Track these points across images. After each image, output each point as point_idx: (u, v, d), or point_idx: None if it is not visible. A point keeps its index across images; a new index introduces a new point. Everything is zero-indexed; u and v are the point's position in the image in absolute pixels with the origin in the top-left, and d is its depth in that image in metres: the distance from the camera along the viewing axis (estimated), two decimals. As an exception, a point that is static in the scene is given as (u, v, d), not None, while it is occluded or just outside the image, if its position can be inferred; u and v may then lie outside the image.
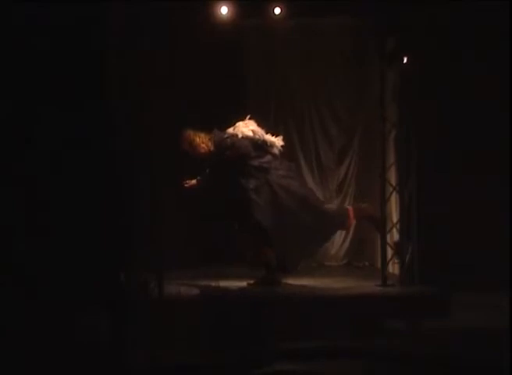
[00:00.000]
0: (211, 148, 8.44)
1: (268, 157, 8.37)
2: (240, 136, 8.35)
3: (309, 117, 10.02)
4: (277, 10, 8.80)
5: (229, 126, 8.48)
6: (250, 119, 8.55)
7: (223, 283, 8.62)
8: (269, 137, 8.49)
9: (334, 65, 9.98)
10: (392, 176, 9.19)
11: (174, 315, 7.69)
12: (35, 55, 7.77)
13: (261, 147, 8.43)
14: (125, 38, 8.08)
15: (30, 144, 7.75)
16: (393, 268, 9.16)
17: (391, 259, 9.05)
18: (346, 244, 10.54)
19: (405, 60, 8.65)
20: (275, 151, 8.49)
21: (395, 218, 9.18)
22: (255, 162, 8.31)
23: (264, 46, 9.83)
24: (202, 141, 8.46)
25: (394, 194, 9.09)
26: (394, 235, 9.16)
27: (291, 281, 8.83)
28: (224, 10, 8.75)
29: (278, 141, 8.55)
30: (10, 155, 7.71)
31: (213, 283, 8.65)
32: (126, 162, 8.01)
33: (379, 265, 9.23)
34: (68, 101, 7.80)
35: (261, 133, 8.44)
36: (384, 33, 8.80)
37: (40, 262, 7.62)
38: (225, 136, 8.42)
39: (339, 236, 10.47)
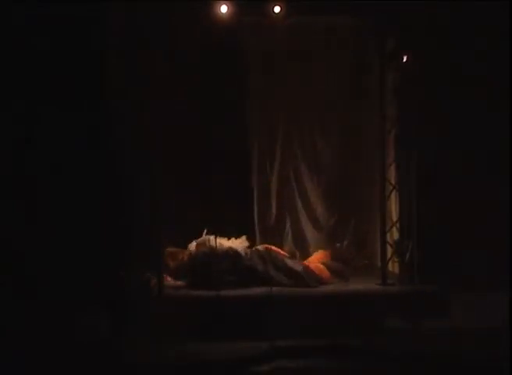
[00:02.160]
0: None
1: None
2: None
3: (309, 116, 10.00)
4: (277, 9, 8.80)
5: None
6: (207, 233, 9.03)
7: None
8: (230, 244, 8.95)
9: (334, 64, 9.95)
10: (392, 175, 9.20)
11: (174, 313, 7.71)
12: (35, 55, 7.77)
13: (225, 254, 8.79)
14: (125, 38, 8.09)
15: (30, 144, 7.75)
16: (393, 267, 9.17)
17: (391, 258, 9.05)
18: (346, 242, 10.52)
19: (405, 59, 8.66)
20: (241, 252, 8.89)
21: (395, 217, 9.19)
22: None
23: (263, 45, 9.80)
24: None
25: (394, 192, 9.11)
26: (394, 234, 9.17)
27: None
28: (224, 9, 8.74)
29: (241, 244, 9.03)
30: (10, 155, 7.71)
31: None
32: (126, 162, 8.02)
33: (379, 263, 9.24)
34: (68, 102, 7.81)
35: (219, 246, 8.82)
36: (384, 33, 8.80)
37: (40, 262, 7.62)
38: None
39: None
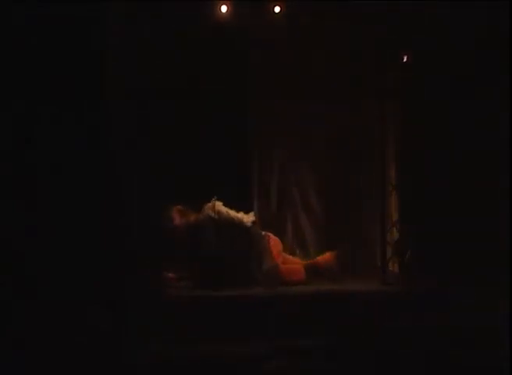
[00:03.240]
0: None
1: None
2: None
3: (309, 116, 10.02)
4: (277, 9, 8.81)
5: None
6: (216, 200, 9.01)
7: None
8: (237, 216, 9.01)
9: (334, 65, 9.95)
10: (392, 175, 9.21)
11: (174, 313, 7.72)
12: (35, 55, 7.76)
13: (230, 225, 8.91)
14: (125, 38, 8.08)
15: (30, 144, 7.74)
16: (393, 267, 9.17)
17: (391, 258, 9.06)
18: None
19: (405, 59, 8.67)
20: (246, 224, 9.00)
21: (395, 217, 9.20)
22: None
23: (263, 45, 9.80)
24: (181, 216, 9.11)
25: (394, 192, 9.12)
26: (394, 234, 9.18)
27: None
28: (224, 9, 8.75)
29: (247, 218, 9.05)
30: (10, 156, 7.70)
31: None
32: (126, 162, 8.02)
33: (379, 263, 9.24)
34: (68, 102, 7.80)
35: (226, 213, 8.95)
36: (384, 34, 8.81)
37: (40, 262, 7.62)
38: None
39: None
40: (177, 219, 9.00)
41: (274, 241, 9.17)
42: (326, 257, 9.35)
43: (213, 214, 8.89)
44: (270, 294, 8.27)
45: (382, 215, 9.00)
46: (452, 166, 8.53)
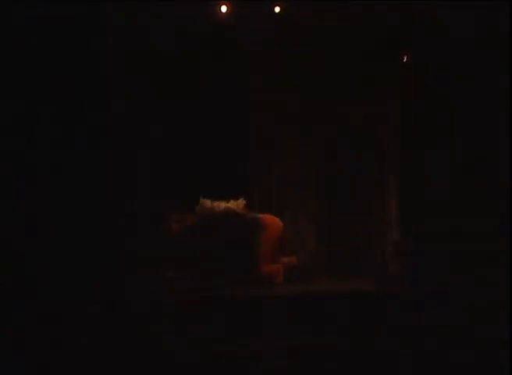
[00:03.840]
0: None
1: None
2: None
3: (309, 116, 10.03)
4: (277, 9, 8.82)
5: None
6: (203, 198, 9.20)
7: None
8: (228, 206, 9.19)
9: (334, 65, 9.97)
10: (393, 175, 9.22)
11: (174, 313, 7.72)
12: (35, 55, 7.77)
13: (224, 218, 9.10)
14: (125, 38, 8.10)
15: (30, 144, 7.75)
16: (393, 267, 9.17)
17: (391, 258, 9.06)
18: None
19: (405, 59, 8.68)
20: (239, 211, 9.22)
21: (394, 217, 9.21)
22: None
23: (263, 45, 9.82)
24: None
25: (394, 192, 9.13)
26: (394, 234, 9.18)
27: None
28: (224, 9, 8.76)
29: (238, 204, 9.23)
30: (10, 156, 7.71)
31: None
32: (126, 162, 8.03)
33: (379, 263, 9.25)
34: (68, 102, 7.81)
35: (217, 206, 9.16)
36: (384, 33, 8.82)
37: (40, 262, 7.62)
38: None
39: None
40: (174, 228, 9.04)
41: (271, 221, 9.21)
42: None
43: (204, 213, 8.96)
44: (270, 294, 8.27)
45: (382, 215, 9.01)
46: (452, 166, 8.54)
